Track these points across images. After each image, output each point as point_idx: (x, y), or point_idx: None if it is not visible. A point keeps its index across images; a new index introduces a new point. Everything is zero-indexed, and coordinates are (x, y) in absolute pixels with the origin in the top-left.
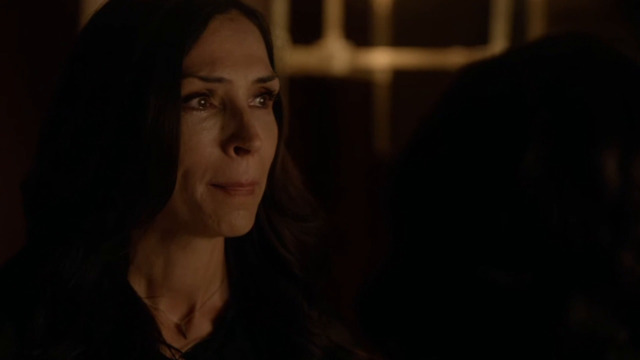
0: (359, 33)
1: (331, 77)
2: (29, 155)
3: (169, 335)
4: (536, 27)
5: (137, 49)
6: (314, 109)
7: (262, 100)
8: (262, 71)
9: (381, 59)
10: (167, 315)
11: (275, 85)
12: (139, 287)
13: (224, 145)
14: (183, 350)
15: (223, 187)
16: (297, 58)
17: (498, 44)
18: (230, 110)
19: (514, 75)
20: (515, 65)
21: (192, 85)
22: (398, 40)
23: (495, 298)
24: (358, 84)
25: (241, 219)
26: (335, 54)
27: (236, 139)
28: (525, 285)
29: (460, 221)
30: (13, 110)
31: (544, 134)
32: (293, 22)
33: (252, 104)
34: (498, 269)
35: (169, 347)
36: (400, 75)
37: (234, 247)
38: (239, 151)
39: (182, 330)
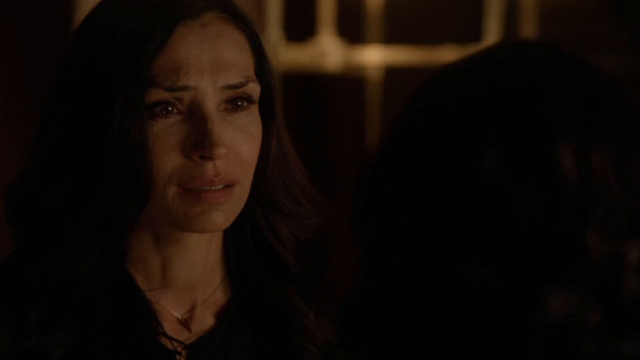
0: (352, 30)
1: (324, 74)
2: (24, 156)
3: (172, 328)
4: (528, 25)
5: (107, 57)
6: (307, 105)
7: (239, 103)
8: (233, 77)
9: (374, 56)
10: (170, 310)
11: (251, 90)
12: (141, 280)
13: (187, 152)
14: (186, 343)
15: (194, 190)
16: (290, 55)
17: (490, 41)
18: (196, 116)
19: (474, 79)
20: (476, 69)
21: (156, 95)
22: (391, 37)
23: (472, 292)
24: (351, 81)
25: (214, 218)
26: (328, 51)
27: (199, 147)
28: (500, 277)
29: (430, 221)
30: (10, 111)
31: (503, 132)
32: (286, 20)
33: (224, 108)
34: (471, 263)
35: (170, 339)
36: (392, 73)
37: (234, 244)
38: (204, 157)
39: (185, 324)
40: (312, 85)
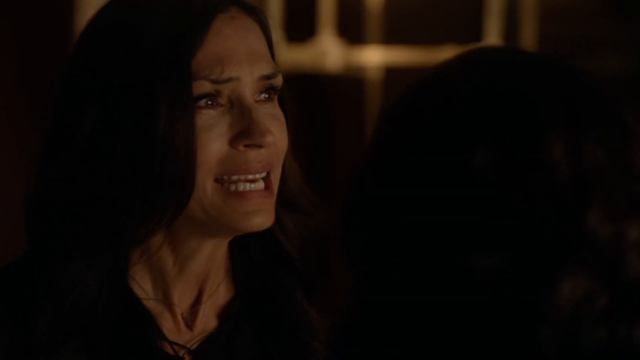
0: (352, 30)
1: (324, 74)
2: (24, 156)
3: (175, 328)
4: (528, 25)
5: (143, 53)
6: (307, 105)
7: (267, 95)
8: (267, 68)
9: (374, 57)
10: (175, 306)
11: (279, 80)
12: (146, 285)
13: (232, 142)
14: (189, 346)
15: (237, 192)
16: (290, 55)
17: (491, 41)
18: (237, 107)
19: (457, 82)
20: (457, 72)
21: (202, 87)
22: (391, 37)
23: (481, 282)
24: (351, 81)
25: (259, 219)
26: (328, 51)
27: (246, 136)
28: (511, 265)
29: (430, 218)
30: (10, 111)
31: (491, 130)
32: (287, 20)
33: (258, 99)
34: (478, 253)
35: (171, 343)
36: (392, 73)
37: (238, 240)
38: (250, 146)
39: (188, 323)
40: (312, 85)
